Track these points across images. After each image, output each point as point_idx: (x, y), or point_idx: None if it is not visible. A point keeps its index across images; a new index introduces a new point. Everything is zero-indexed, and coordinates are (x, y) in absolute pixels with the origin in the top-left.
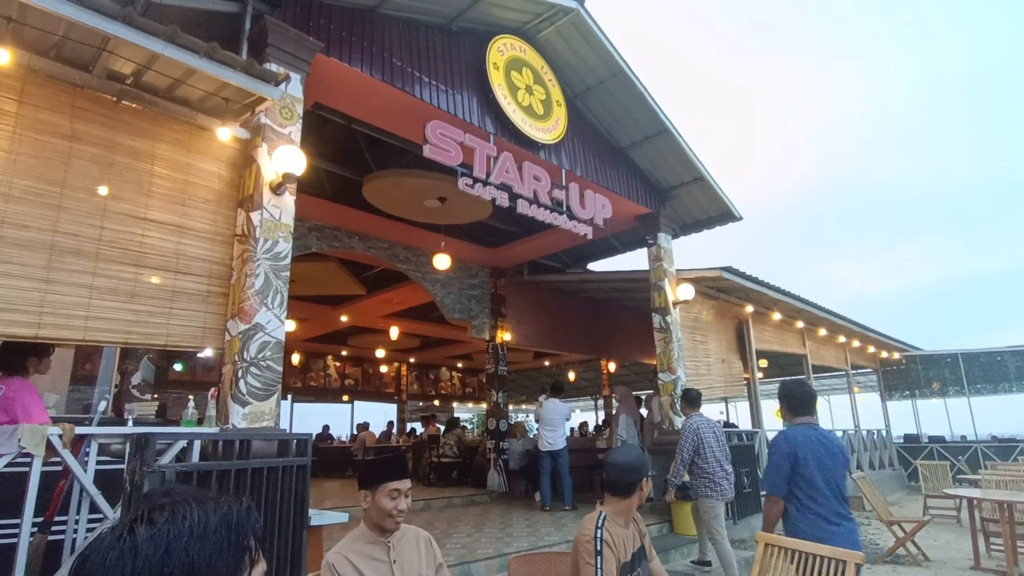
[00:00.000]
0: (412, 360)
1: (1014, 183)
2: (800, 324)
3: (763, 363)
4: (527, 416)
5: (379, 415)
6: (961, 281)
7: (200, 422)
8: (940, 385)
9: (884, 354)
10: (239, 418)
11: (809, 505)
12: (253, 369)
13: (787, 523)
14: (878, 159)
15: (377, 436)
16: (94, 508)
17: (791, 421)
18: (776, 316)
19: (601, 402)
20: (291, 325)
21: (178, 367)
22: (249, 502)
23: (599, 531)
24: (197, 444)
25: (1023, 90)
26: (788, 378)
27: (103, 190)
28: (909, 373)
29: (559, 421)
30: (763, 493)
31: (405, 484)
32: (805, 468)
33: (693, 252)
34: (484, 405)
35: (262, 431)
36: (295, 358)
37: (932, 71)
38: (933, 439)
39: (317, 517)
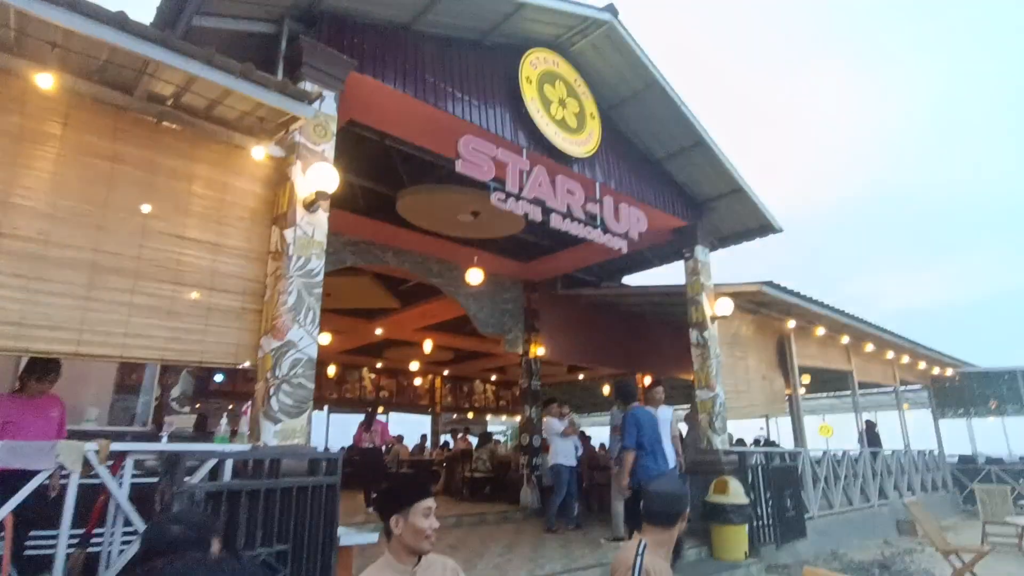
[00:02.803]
0: (446, 372)
1: None
2: (845, 339)
3: (806, 379)
4: None
5: (413, 427)
6: (1013, 295)
7: (234, 435)
8: (998, 403)
9: (936, 370)
10: (271, 435)
11: (650, 451)
12: (285, 386)
13: (637, 465)
14: (921, 169)
15: (411, 449)
16: (129, 520)
17: (627, 407)
18: (819, 331)
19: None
20: (327, 338)
21: (219, 378)
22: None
23: (639, 559)
24: (230, 460)
25: None
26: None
27: (143, 210)
28: (963, 390)
29: (551, 439)
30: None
31: (433, 503)
32: (643, 430)
33: (727, 262)
34: (518, 418)
35: (292, 449)
36: (331, 370)
37: (978, 77)
38: (991, 460)
39: (346, 536)
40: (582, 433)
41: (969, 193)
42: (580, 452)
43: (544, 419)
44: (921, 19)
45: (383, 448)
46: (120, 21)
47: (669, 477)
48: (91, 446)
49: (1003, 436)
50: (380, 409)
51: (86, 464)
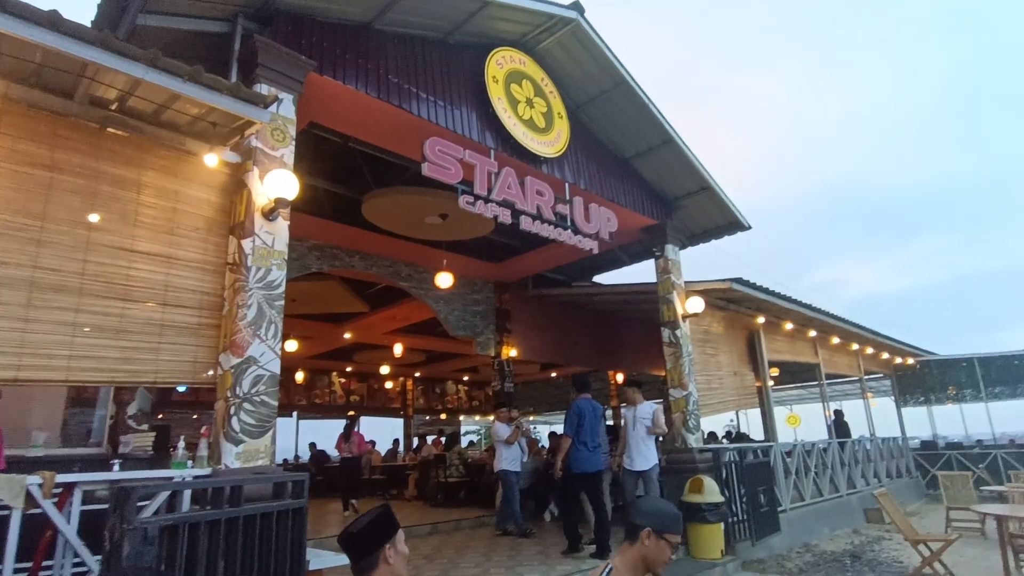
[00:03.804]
0: (418, 374)
1: (1019, 180)
2: (812, 333)
3: (774, 372)
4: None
5: (386, 430)
6: (968, 279)
7: (192, 448)
8: (956, 390)
9: (898, 360)
10: (232, 458)
11: (582, 439)
12: (247, 405)
13: (571, 450)
14: (882, 160)
15: (383, 454)
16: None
17: (577, 397)
18: (788, 326)
19: (609, 412)
20: (293, 344)
21: (182, 388)
22: None
23: None
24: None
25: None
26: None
27: (86, 222)
28: (924, 378)
29: (499, 444)
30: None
31: None
32: (582, 421)
33: (696, 258)
34: (491, 418)
35: (256, 471)
36: (299, 376)
37: (928, 75)
38: (951, 445)
39: (316, 559)
40: (554, 434)
41: (918, 184)
42: (526, 457)
43: (493, 424)
44: (875, 19)
45: (361, 457)
46: (53, 21)
47: (654, 498)
48: (34, 479)
49: (961, 421)
50: (351, 413)
51: (30, 498)
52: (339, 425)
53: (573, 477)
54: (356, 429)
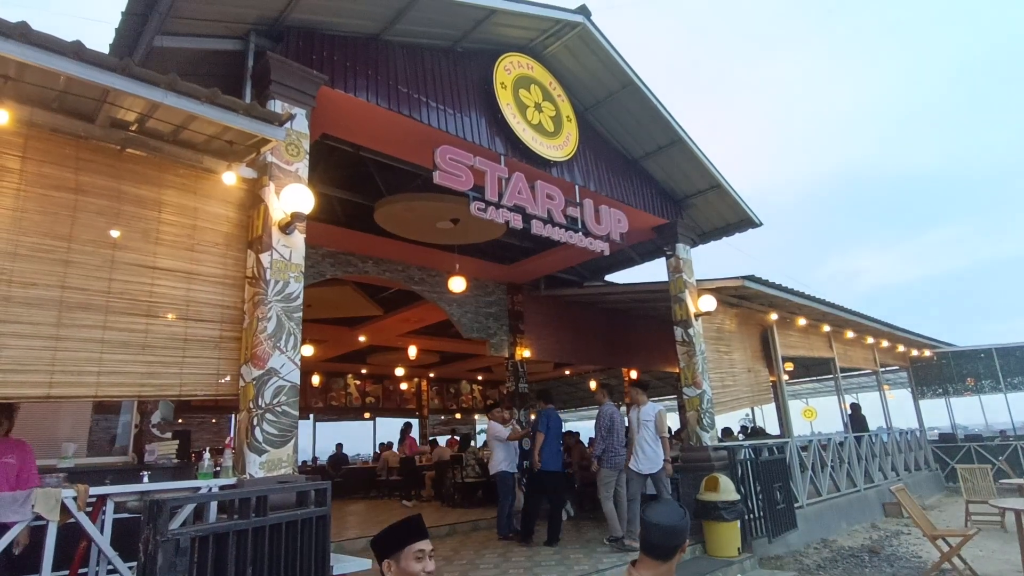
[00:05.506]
0: (432, 375)
1: None
2: (827, 327)
3: (788, 366)
4: None
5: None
6: (986, 266)
7: (217, 453)
8: (975, 381)
9: (914, 352)
10: (256, 467)
11: (549, 442)
12: (269, 416)
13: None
14: (895, 148)
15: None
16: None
17: (543, 407)
18: (801, 321)
19: (623, 409)
20: (309, 349)
21: None
22: None
23: None
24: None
25: None
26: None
27: (110, 241)
28: (942, 370)
29: (495, 445)
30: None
31: (428, 544)
32: (551, 424)
33: (707, 253)
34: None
35: (279, 481)
36: (315, 379)
37: (952, 57)
38: (970, 437)
39: (339, 564)
40: (569, 432)
41: (934, 171)
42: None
43: (488, 423)
44: (888, 3)
45: (415, 457)
46: (76, 51)
47: (669, 506)
48: (68, 493)
49: (980, 412)
50: (371, 415)
51: (65, 510)
52: (355, 427)
53: (542, 474)
54: (409, 434)
